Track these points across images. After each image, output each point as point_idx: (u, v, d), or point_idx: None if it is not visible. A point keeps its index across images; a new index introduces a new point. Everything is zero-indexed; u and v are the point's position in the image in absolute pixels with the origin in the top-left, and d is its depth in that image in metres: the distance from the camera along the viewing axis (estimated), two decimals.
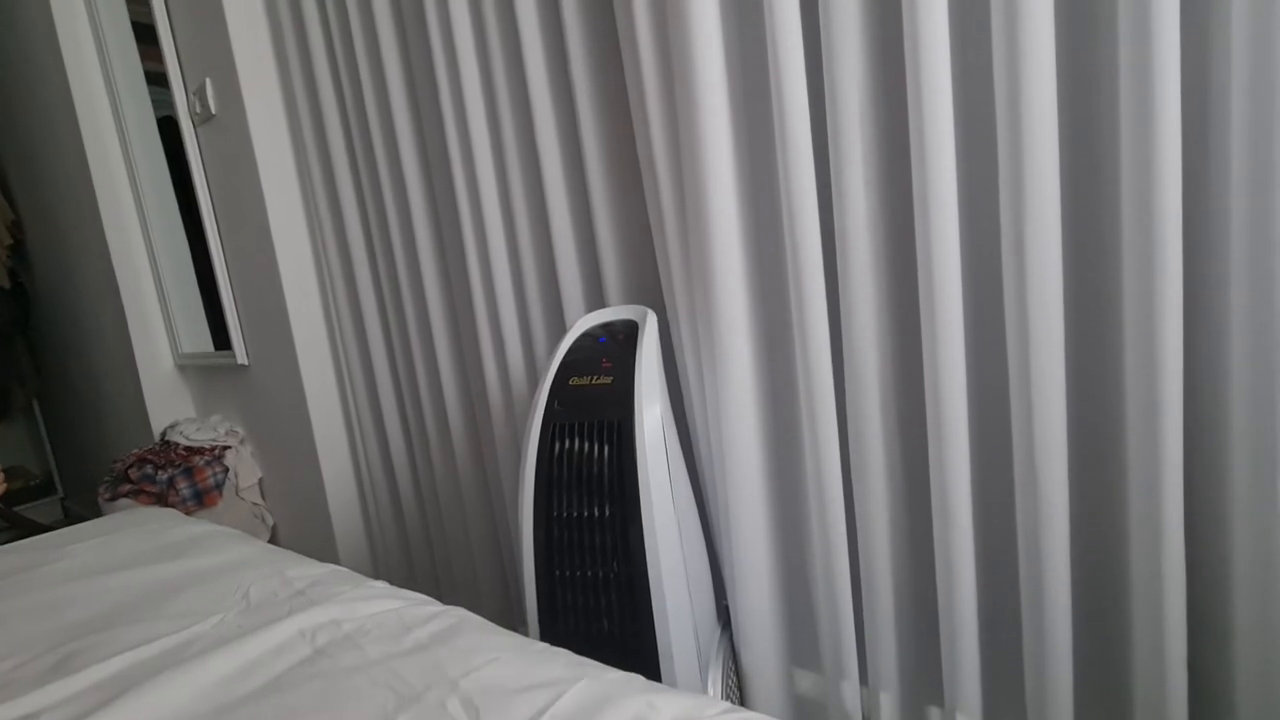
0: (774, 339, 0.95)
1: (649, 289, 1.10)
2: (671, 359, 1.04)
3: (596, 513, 0.85)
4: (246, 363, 1.81)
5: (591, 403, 0.88)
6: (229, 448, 1.87)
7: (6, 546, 1.08)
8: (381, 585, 0.78)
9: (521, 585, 0.92)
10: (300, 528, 1.84)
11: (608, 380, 0.89)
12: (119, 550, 0.94)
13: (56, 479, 3.03)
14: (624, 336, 0.95)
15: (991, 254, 0.76)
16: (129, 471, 1.75)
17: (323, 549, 1.73)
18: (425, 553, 1.60)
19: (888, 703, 0.92)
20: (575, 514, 0.85)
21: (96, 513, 1.84)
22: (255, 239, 1.65)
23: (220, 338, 2.02)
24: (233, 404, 1.97)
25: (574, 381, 0.90)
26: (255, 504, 1.87)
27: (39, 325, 2.70)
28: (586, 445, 0.86)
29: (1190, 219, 0.65)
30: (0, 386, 2.51)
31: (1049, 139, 0.67)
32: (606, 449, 0.85)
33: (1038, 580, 0.75)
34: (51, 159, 2.25)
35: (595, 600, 0.86)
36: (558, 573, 0.86)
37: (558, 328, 1.20)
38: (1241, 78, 0.61)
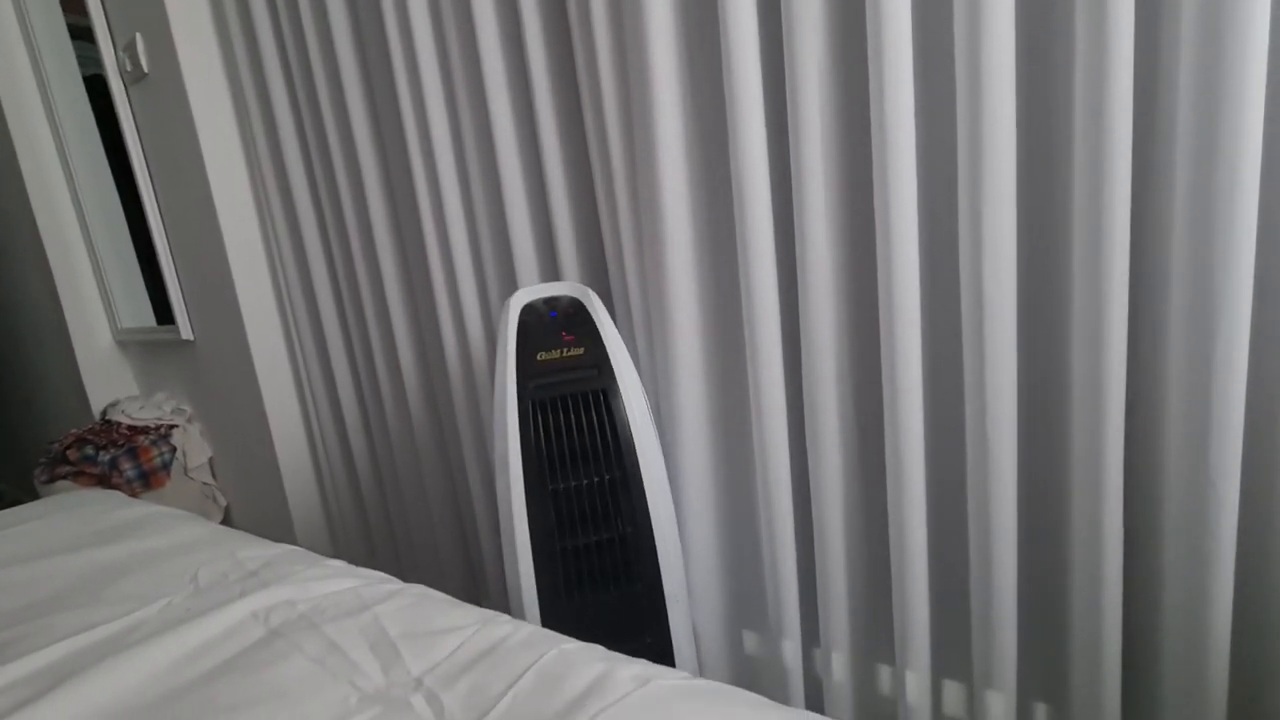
0: (722, 304, 0.95)
1: (599, 261, 1.09)
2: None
3: (596, 479, 0.87)
4: (191, 337, 1.74)
5: (566, 374, 0.89)
6: (176, 426, 1.80)
7: None
8: (339, 564, 0.76)
9: (503, 562, 0.92)
10: (255, 508, 1.79)
11: (579, 351, 0.89)
12: (57, 534, 0.90)
13: None
14: (574, 311, 0.94)
15: (949, 224, 0.77)
16: (67, 452, 1.67)
17: (279, 529, 1.69)
18: (385, 530, 1.57)
19: (839, 662, 0.95)
20: (574, 484, 0.87)
21: (32, 495, 1.75)
22: (196, 206, 1.57)
23: (163, 312, 1.93)
24: (178, 380, 1.89)
25: (542, 356, 0.89)
26: (206, 484, 1.81)
27: None
28: (573, 416, 0.87)
29: (1138, 210, 0.66)
30: None
31: (1007, 119, 0.68)
32: (595, 417, 0.87)
33: (985, 541, 0.78)
34: None
35: (601, 565, 0.89)
36: (560, 545, 0.87)
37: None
38: (1189, 79, 0.62)
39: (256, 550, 0.80)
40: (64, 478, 1.63)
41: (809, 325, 0.85)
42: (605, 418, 0.87)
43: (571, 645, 0.55)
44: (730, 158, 0.84)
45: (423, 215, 1.21)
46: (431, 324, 1.29)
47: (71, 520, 0.96)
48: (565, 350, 0.91)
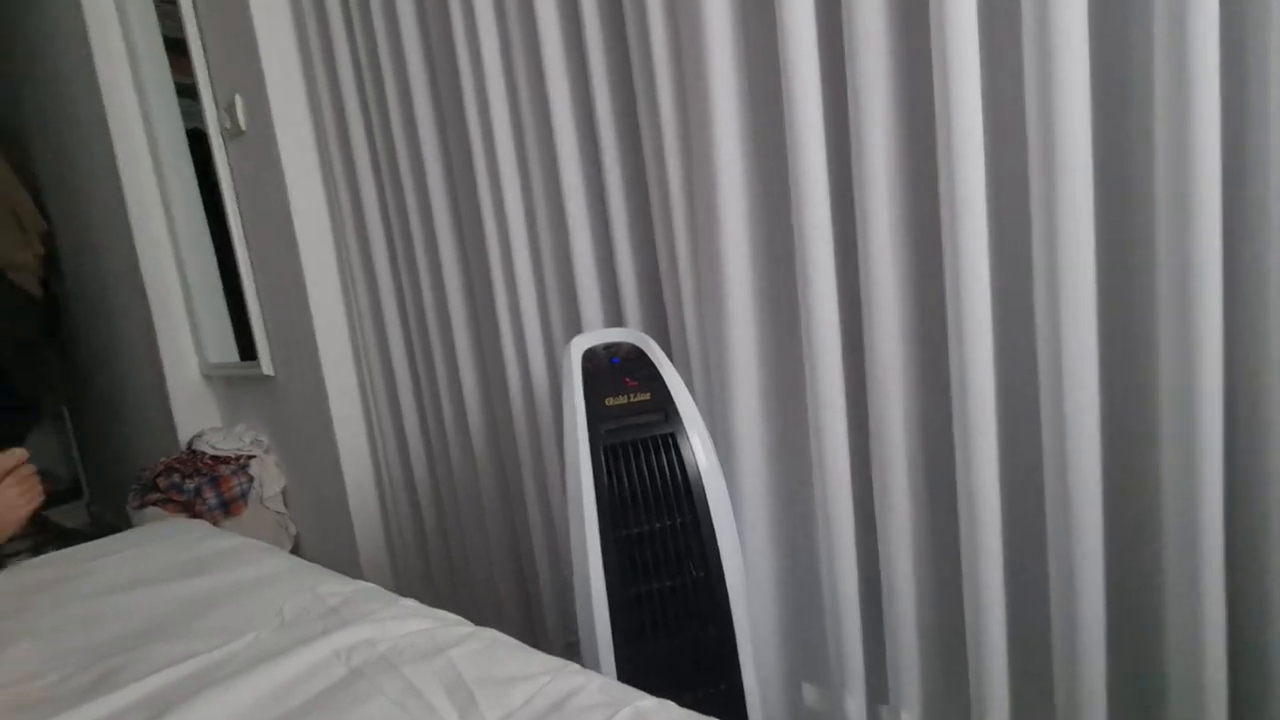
0: (782, 348, 0.96)
1: (658, 304, 1.11)
2: None
3: (667, 524, 0.89)
4: (271, 373, 1.84)
5: (634, 419, 0.91)
6: (254, 457, 1.89)
7: (38, 560, 1.10)
8: (411, 603, 0.79)
9: (570, 606, 0.93)
10: (323, 537, 1.85)
11: (645, 396, 0.91)
12: (151, 563, 0.96)
13: (84, 484, 3.09)
14: (634, 356, 0.97)
15: (1021, 249, 0.75)
16: (157, 480, 1.78)
17: (345, 560, 1.75)
18: (445, 567, 1.60)
19: None
20: (646, 529, 0.88)
21: (123, 517, 1.87)
22: (281, 252, 1.68)
23: (246, 348, 2.05)
24: (257, 413, 1.99)
25: (610, 401, 0.91)
26: (279, 513, 1.89)
27: (69, 333, 2.76)
28: (644, 460, 0.89)
29: (1229, 200, 0.62)
30: (30, 393, 2.55)
31: (1081, 110, 0.66)
32: (664, 461, 0.89)
33: (1068, 591, 0.74)
34: (84, 170, 2.29)
35: (673, 610, 0.90)
36: (633, 591, 0.88)
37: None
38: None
39: (335, 586, 0.84)
40: (154, 504, 1.73)
41: (874, 370, 0.84)
42: (675, 462, 0.89)
43: (647, 703, 0.55)
44: (791, 193, 0.86)
45: (491, 260, 1.26)
46: (497, 366, 1.33)
47: (164, 550, 1.02)
48: (631, 395, 0.93)
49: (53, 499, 2.92)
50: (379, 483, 1.73)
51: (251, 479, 1.82)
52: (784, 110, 0.84)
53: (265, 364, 1.84)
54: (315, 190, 1.66)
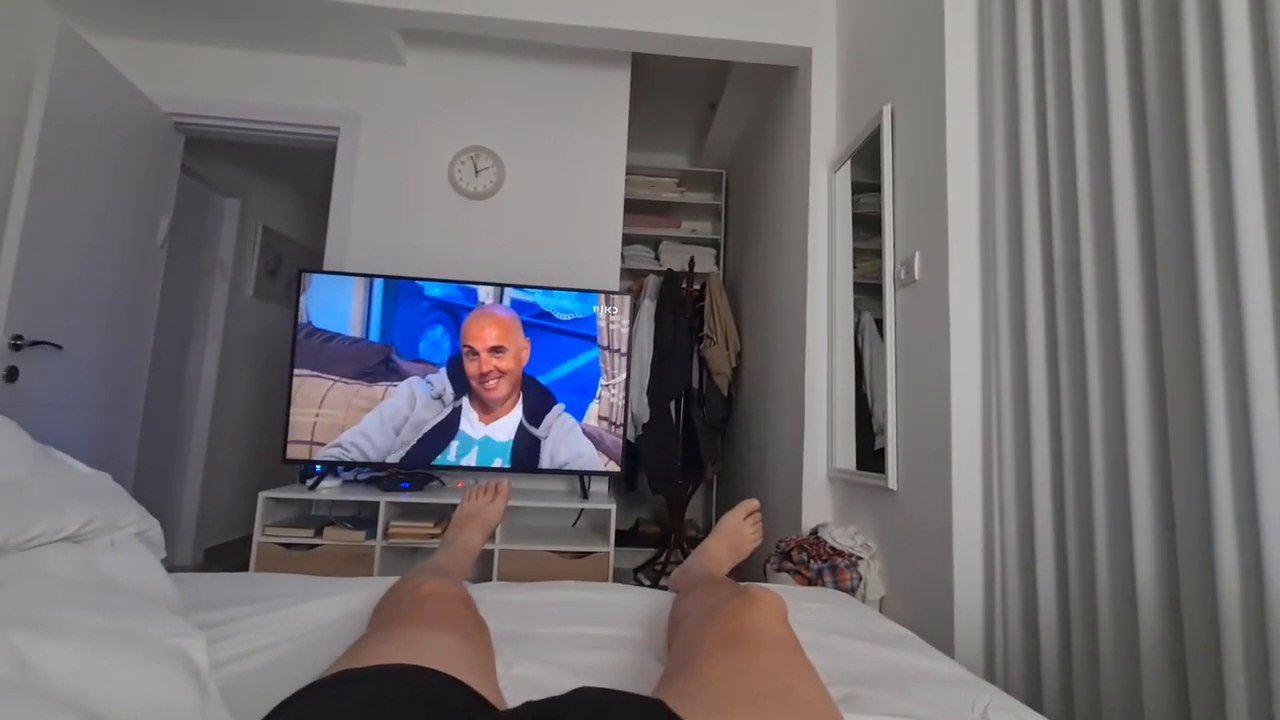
0: None
1: None
2: None
3: None
4: (895, 488, 2.05)
5: None
6: (861, 559, 2.12)
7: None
8: None
9: None
10: None
11: None
12: (844, 621, 1.19)
13: None
14: None
15: None
16: (791, 552, 2.18)
17: None
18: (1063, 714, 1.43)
19: None
20: None
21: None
22: (931, 388, 1.89)
23: (862, 460, 2.37)
24: (869, 519, 2.24)
25: None
26: None
27: (734, 423, 3.71)
28: None
29: None
30: (705, 460, 3.52)
31: None
32: None
33: None
34: (775, 306, 3.12)
35: None
36: None
37: None
38: None
39: (1001, 697, 0.87)
40: (787, 571, 2.13)
41: None
42: None
43: None
44: None
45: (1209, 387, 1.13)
46: (1194, 503, 1.16)
47: (844, 614, 1.24)
48: None
49: (692, 541, 3.89)
50: (989, 632, 1.70)
51: (861, 579, 2.05)
52: None
53: (891, 479, 2.07)
54: (973, 332, 1.82)
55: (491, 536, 1.80)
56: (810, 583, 2.04)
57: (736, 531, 1.51)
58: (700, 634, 0.77)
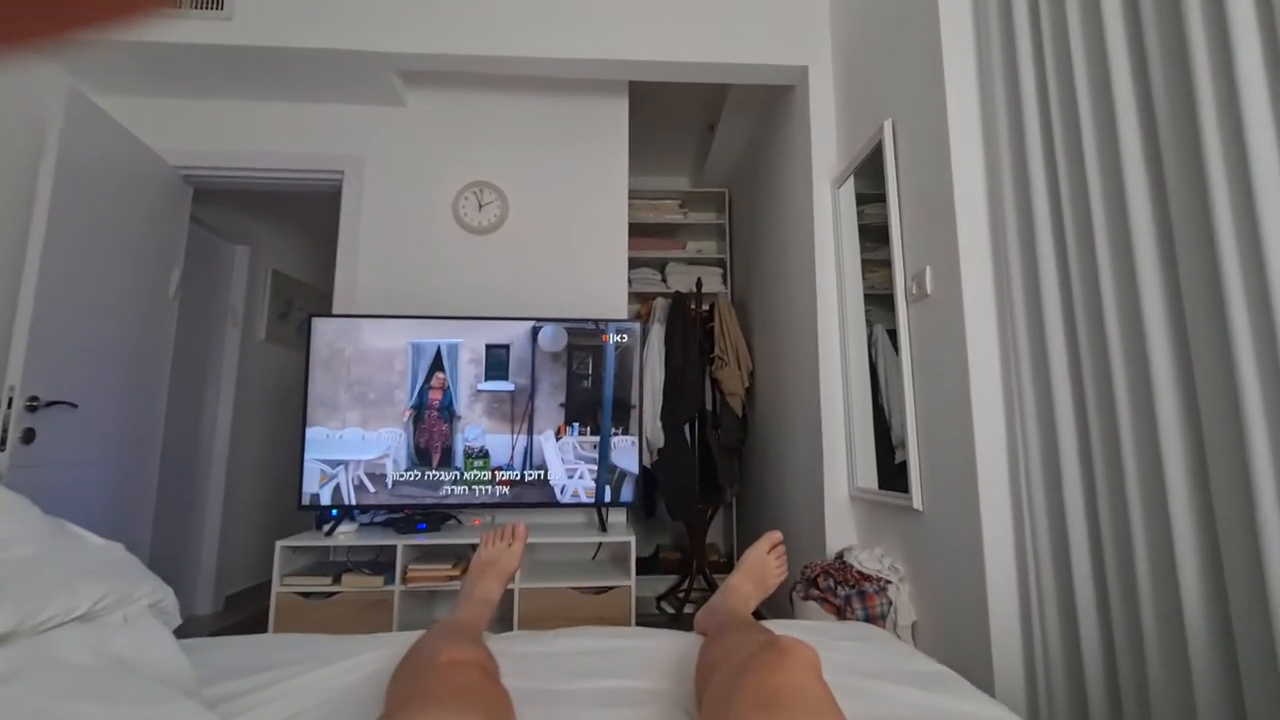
0: None
1: None
2: None
3: None
4: (920, 509, 2.00)
5: None
6: (890, 583, 2.07)
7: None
8: None
9: None
10: None
11: None
12: (877, 661, 1.14)
13: (734, 559, 3.96)
14: None
15: None
16: (817, 579, 2.13)
17: None
18: None
19: None
20: None
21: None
22: (951, 404, 1.85)
23: (884, 479, 2.32)
24: (896, 540, 2.19)
25: None
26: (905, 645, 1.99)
27: (750, 444, 3.67)
28: None
29: None
30: (724, 483, 3.47)
31: None
32: None
33: None
34: (786, 322, 3.09)
35: None
36: None
37: None
38: None
39: None
40: (814, 599, 2.08)
41: None
42: None
43: None
44: None
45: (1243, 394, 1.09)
46: (1239, 526, 1.11)
47: (879, 652, 1.20)
48: None
49: (714, 567, 3.83)
50: (1029, 656, 1.64)
51: (891, 604, 1.99)
52: None
53: (915, 499, 2.02)
54: (991, 348, 1.78)
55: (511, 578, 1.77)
56: (838, 611, 1.98)
57: (761, 566, 1.47)
58: (732, 694, 0.74)
